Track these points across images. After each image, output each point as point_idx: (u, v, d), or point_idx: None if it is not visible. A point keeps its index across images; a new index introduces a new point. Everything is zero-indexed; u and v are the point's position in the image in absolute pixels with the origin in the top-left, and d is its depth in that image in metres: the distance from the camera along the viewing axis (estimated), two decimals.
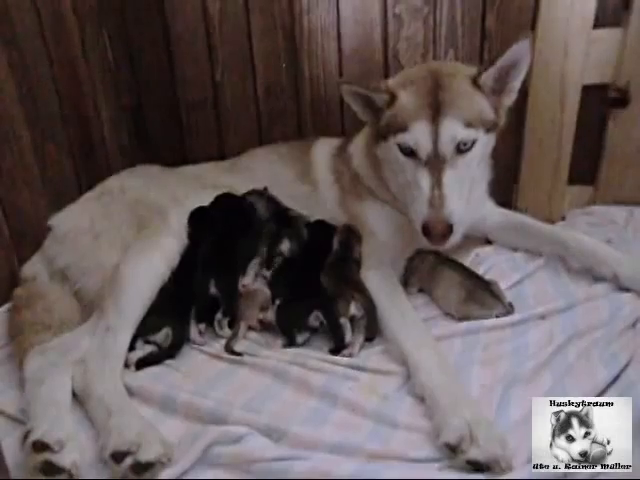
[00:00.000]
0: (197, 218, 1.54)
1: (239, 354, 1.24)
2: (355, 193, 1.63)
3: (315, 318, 1.26)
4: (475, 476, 0.84)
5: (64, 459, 0.91)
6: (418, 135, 1.27)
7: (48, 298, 1.34)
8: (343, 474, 0.85)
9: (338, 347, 1.23)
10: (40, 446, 0.91)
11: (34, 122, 1.56)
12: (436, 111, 1.26)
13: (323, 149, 1.82)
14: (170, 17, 2.04)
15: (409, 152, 1.29)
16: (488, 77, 1.31)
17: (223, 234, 1.48)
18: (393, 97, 1.34)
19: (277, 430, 0.97)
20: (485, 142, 1.34)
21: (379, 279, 1.37)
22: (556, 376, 1.07)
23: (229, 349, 1.26)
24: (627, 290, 1.33)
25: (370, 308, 1.27)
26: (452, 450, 0.89)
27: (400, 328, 1.21)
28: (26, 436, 0.93)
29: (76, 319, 1.32)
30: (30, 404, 1.03)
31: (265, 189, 1.72)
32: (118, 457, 0.91)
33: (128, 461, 0.90)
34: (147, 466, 0.89)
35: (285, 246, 1.49)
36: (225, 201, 1.61)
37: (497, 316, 1.30)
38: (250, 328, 1.34)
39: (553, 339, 1.18)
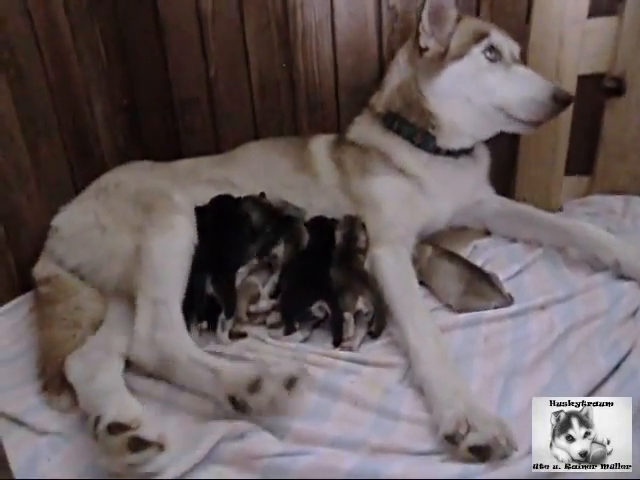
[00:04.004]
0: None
1: (244, 334, 1.28)
2: (360, 171, 1.62)
3: (319, 309, 1.25)
4: (478, 466, 0.84)
5: (149, 433, 0.89)
6: (499, 38, 1.51)
7: (80, 295, 1.32)
8: (346, 468, 0.85)
9: (337, 340, 1.22)
10: (117, 427, 0.89)
11: (27, 121, 1.54)
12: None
13: (321, 140, 1.82)
14: (163, 13, 2.02)
15: (493, 57, 1.49)
16: None
17: (218, 234, 1.46)
18: (459, 17, 1.55)
19: (280, 426, 0.96)
20: None
21: (390, 258, 1.37)
22: (557, 366, 1.07)
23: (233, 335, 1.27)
24: (627, 279, 1.33)
25: (379, 305, 1.26)
26: (451, 441, 0.88)
27: (407, 315, 1.20)
28: (96, 424, 0.91)
29: (102, 319, 1.29)
30: (89, 400, 1.02)
31: (262, 195, 1.67)
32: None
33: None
34: None
35: (279, 250, 1.45)
36: (221, 202, 1.60)
37: (496, 307, 1.29)
38: (239, 321, 1.32)
39: (553, 329, 1.19)
